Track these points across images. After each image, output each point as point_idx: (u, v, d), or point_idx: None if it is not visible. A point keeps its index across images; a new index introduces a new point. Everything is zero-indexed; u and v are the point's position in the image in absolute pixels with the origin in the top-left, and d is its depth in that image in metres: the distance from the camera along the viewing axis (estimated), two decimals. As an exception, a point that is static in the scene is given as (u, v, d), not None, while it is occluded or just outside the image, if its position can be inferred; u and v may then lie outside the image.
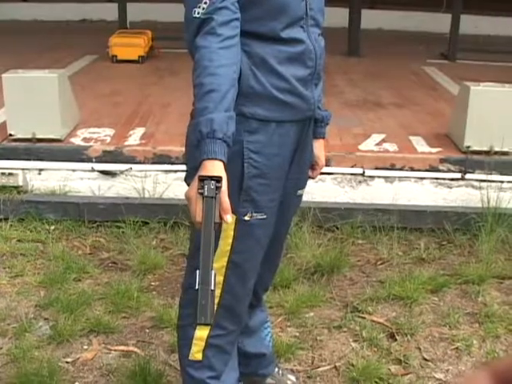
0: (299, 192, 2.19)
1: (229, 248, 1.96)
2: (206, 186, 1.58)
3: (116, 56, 7.32)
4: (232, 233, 1.94)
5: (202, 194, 1.58)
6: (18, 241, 4.08)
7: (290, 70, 1.91)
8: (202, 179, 1.60)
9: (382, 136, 4.88)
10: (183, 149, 2.03)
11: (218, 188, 1.59)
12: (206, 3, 1.70)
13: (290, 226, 2.37)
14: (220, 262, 1.97)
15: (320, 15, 2.00)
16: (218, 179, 1.59)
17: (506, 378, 0.57)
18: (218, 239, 1.95)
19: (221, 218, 1.58)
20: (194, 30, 1.71)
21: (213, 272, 1.49)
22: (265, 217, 1.97)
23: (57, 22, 10.53)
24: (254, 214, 1.94)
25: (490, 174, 4.50)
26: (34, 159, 4.51)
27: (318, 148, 2.24)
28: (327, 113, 2.20)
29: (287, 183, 2.06)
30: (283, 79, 1.91)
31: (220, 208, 1.58)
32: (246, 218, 1.94)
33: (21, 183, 4.47)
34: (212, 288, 1.47)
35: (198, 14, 1.70)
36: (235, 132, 1.69)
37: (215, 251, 1.94)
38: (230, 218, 1.59)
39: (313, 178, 2.30)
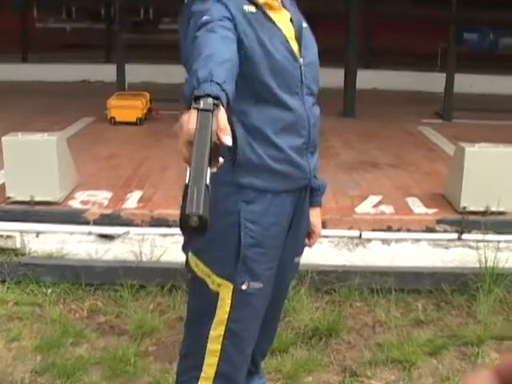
0: (296, 260, 2.23)
1: (226, 316, 1.99)
2: (201, 101, 1.39)
3: (114, 118, 7.43)
4: (229, 301, 1.97)
5: (196, 108, 1.37)
6: (15, 304, 4.10)
7: (285, 139, 1.97)
8: (198, 97, 1.41)
9: (379, 198, 4.94)
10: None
11: (217, 105, 1.40)
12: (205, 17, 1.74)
13: (287, 291, 2.41)
14: (217, 331, 1.99)
15: (314, 84, 2.07)
16: (216, 98, 1.43)
17: (510, 378, 0.57)
18: (215, 308, 1.98)
19: (219, 139, 1.36)
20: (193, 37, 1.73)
21: (208, 171, 1.28)
22: (262, 286, 2.00)
23: (56, 82, 10.70)
24: (252, 284, 1.98)
25: (487, 233, 4.55)
26: (31, 221, 4.55)
27: (315, 216, 2.29)
28: (323, 182, 2.25)
29: (284, 251, 2.10)
30: (279, 149, 1.97)
31: (217, 128, 1.37)
32: (244, 287, 1.97)
33: (18, 246, 4.51)
34: (207, 183, 1.26)
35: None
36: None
37: (212, 319, 1.97)
38: (229, 140, 1.39)
39: (309, 246, 2.33)
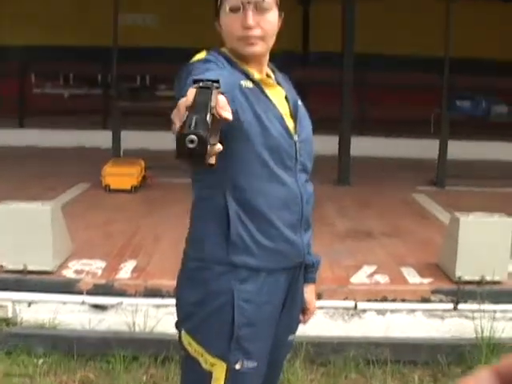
0: (290, 337, 2.22)
1: None
2: (200, 83, 1.38)
3: (109, 185, 7.48)
4: (223, 382, 1.95)
5: (196, 87, 1.36)
6: (5, 375, 4.04)
7: (279, 215, 1.98)
8: (196, 81, 1.40)
9: (374, 268, 4.94)
10: (174, 283, 2.07)
11: (216, 88, 1.38)
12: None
13: (281, 369, 2.38)
14: None
15: (308, 161, 2.10)
16: (216, 82, 1.41)
17: (510, 379, 0.57)
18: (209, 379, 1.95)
19: (219, 115, 1.34)
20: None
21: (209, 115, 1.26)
22: (256, 364, 1.99)
23: (52, 148, 10.79)
24: (245, 363, 1.96)
25: (483, 303, 4.53)
26: (24, 291, 4.52)
27: (309, 293, 2.28)
28: (317, 258, 2.25)
29: (278, 329, 2.09)
30: (273, 226, 1.98)
31: (217, 105, 1.34)
32: (237, 366, 1.96)
33: (10, 315, 4.48)
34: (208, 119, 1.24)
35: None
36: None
37: None
38: (229, 115, 1.37)
39: (304, 323, 2.32)
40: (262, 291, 1.97)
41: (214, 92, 1.35)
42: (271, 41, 2.03)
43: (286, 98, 2.09)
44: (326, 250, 5.01)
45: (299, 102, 2.13)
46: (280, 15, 2.05)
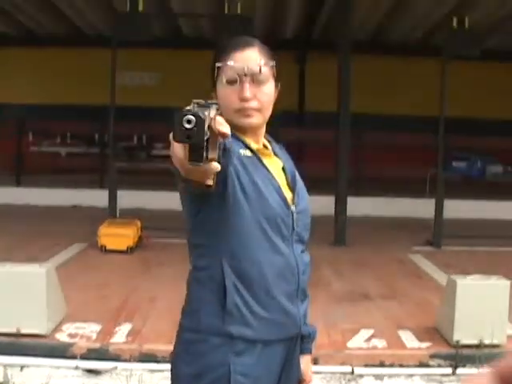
0: (287, 409, 2.19)
1: None
2: (193, 105, 1.37)
3: (105, 246, 7.47)
4: None
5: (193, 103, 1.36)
6: None
7: (276, 285, 1.98)
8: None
9: (371, 331, 4.91)
10: (170, 347, 2.06)
11: (216, 108, 1.40)
12: None
13: None
14: None
15: (305, 232, 2.11)
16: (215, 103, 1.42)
17: (510, 379, 0.56)
18: None
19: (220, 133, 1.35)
20: None
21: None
22: None
23: (48, 206, 10.83)
24: None
25: (482, 367, 4.49)
26: (16, 355, 4.47)
27: (305, 363, 2.26)
28: (313, 329, 2.24)
29: (275, 401, 2.07)
30: (270, 296, 1.97)
31: (214, 120, 1.34)
32: None
33: (1, 379, 4.40)
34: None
35: None
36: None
37: None
38: (227, 130, 1.36)
39: (300, 394, 2.30)
40: (259, 364, 1.96)
41: (213, 107, 1.37)
42: (268, 112, 2.06)
43: (283, 168, 2.11)
44: (323, 313, 4.99)
45: (297, 174, 2.16)
46: (276, 86, 2.09)
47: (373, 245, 8.56)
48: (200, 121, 1.26)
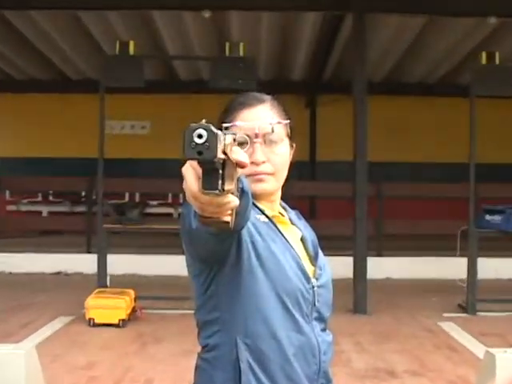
0: None
1: None
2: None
3: (93, 319, 7.44)
4: None
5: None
6: None
7: (294, 367, 1.97)
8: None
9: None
10: None
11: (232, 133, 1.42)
12: None
13: None
14: None
15: (326, 309, 2.10)
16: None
17: None
18: None
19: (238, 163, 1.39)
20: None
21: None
22: None
23: (28, 274, 10.82)
24: None
25: None
26: None
27: None
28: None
29: None
30: (287, 378, 1.97)
31: (230, 152, 1.38)
32: None
33: None
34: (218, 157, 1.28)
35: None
36: None
37: None
38: (245, 159, 1.40)
39: None
40: None
41: (229, 135, 1.39)
42: (282, 176, 2.07)
43: (301, 238, 2.12)
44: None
45: (318, 248, 2.16)
46: (291, 146, 2.11)
47: (398, 312, 8.50)
48: (212, 135, 1.28)
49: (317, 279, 2.05)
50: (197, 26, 10.82)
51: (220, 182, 1.35)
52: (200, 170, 1.36)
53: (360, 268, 8.69)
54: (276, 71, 14.22)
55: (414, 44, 11.76)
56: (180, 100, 15.09)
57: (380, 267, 10.43)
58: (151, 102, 15.08)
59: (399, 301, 9.29)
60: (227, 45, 8.70)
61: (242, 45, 8.59)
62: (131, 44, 8.56)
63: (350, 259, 8.88)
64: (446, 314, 8.40)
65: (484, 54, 8.74)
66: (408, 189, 13.16)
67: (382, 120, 14.30)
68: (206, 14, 9.11)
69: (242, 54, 8.53)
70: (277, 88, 13.36)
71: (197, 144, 1.28)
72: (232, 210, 1.46)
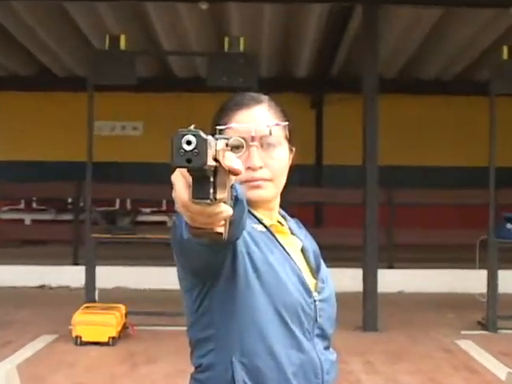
0: None
1: None
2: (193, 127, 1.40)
3: (80, 337, 7.41)
4: None
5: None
6: None
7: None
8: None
9: None
10: None
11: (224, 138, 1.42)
12: None
13: None
14: None
15: (329, 325, 2.09)
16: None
17: None
18: None
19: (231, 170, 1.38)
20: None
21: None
22: None
23: (9, 287, 10.79)
24: None
25: None
26: None
27: None
28: None
29: None
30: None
31: (223, 158, 1.38)
32: None
33: None
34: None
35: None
36: None
37: None
38: (239, 166, 1.40)
39: None
40: None
41: (222, 140, 1.39)
42: (281, 182, 2.07)
43: (302, 249, 2.11)
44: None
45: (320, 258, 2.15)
46: (291, 150, 2.09)
47: (411, 329, 8.48)
48: (201, 141, 1.29)
49: (319, 293, 2.04)
50: (193, 19, 10.82)
51: (211, 190, 1.35)
52: (190, 178, 1.36)
53: (370, 281, 8.66)
54: (279, 68, 14.23)
55: (429, 38, 11.76)
56: (175, 99, 15.11)
57: (391, 280, 10.41)
58: (144, 101, 15.10)
59: (413, 317, 9.26)
60: (226, 39, 8.68)
61: (242, 39, 8.58)
62: (122, 38, 8.54)
63: (359, 271, 8.86)
64: (464, 332, 8.38)
65: (505, 49, 8.73)
66: (422, 195, 13.13)
67: (394, 120, 14.32)
68: (203, 6, 9.12)
69: (242, 49, 8.51)
70: (280, 86, 13.53)
71: (186, 151, 1.29)
72: (225, 220, 1.45)
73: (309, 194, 13.35)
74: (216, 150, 1.35)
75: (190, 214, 1.42)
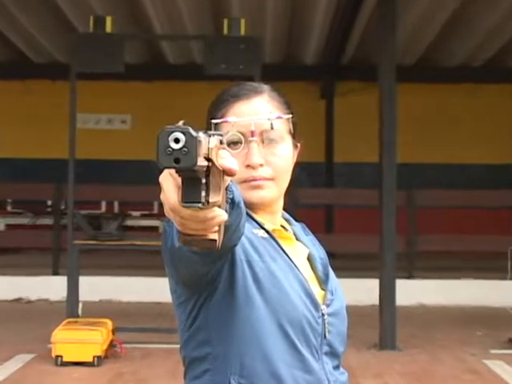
0: None
1: None
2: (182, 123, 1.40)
3: (61, 357, 7.39)
4: None
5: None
6: None
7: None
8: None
9: None
10: None
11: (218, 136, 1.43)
12: None
13: None
14: None
15: (339, 342, 2.09)
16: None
17: None
18: None
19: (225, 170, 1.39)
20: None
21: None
22: None
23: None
24: None
25: None
26: None
27: None
28: None
29: None
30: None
31: (216, 157, 1.38)
32: None
33: None
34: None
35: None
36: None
37: None
38: (234, 165, 1.39)
39: None
40: None
41: (215, 137, 1.39)
42: (284, 181, 2.07)
43: (308, 257, 2.12)
44: None
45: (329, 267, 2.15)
46: (295, 145, 2.10)
47: (433, 348, 8.46)
48: (191, 139, 1.29)
49: (327, 306, 2.05)
50: (188, -1, 10.86)
51: (203, 193, 1.34)
52: (180, 180, 1.35)
53: (387, 292, 8.65)
54: (285, 54, 14.24)
55: (454, 19, 11.76)
56: (168, 88, 15.12)
57: (411, 291, 10.41)
58: (132, 90, 15.12)
59: (435, 334, 9.26)
60: (225, 21, 8.69)
61: (242, 21, 8.58)
62: (108, 20, 8.52)
63: (376, 282, 8.85)
64: (493, 351, 8.36)
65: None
66: (445, 196, 13.14)
67: (414, 112, 14.33)
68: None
69: (242, 32, 8.52)
70: (285, 74, 13.56)
71: (173, 150, 1.28)
72: (219, 225, 1.44)
73: (318, 195, 13.35)
74: (208, 148, 1.34)
75: (180, 220, 1.41)
